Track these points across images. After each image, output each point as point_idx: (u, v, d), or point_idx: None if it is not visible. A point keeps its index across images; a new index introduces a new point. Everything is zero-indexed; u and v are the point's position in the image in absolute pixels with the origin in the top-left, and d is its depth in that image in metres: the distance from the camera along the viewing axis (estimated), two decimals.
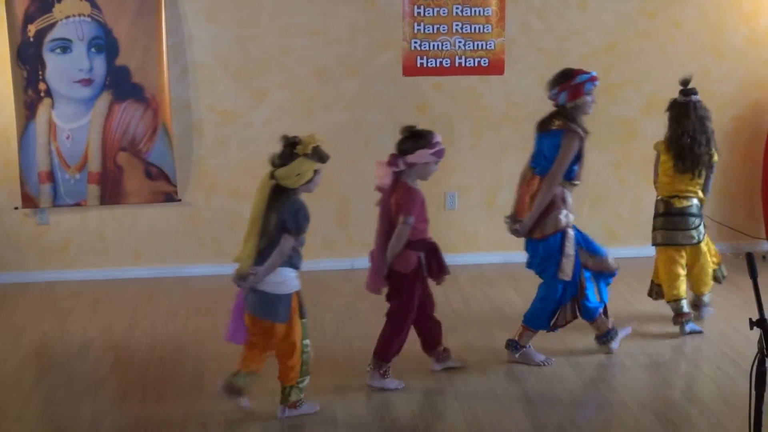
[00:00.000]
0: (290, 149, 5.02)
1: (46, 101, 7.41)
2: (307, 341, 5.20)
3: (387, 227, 5.55)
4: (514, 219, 5.91)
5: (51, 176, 7.51)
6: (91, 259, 7.81)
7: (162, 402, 5.47)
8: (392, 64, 7.72)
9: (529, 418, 5.21)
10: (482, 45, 7.74)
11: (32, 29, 7.31)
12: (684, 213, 6.35)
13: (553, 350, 6.10)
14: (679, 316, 6.35)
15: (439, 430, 5.14)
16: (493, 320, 6.75)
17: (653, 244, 6.53)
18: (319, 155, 5.06)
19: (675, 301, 6.37)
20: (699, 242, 6.39)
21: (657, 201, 6.52)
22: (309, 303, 7.01)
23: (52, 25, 7.32)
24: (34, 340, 6.53)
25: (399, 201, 5.49)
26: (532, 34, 7.81)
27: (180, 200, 7.72)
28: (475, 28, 7.70)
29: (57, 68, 7.39)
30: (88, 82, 7.44)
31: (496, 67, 7.79)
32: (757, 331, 3.60)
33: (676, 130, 6.31)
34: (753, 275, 3.68)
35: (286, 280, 5.08)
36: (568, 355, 6.06)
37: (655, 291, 6.65)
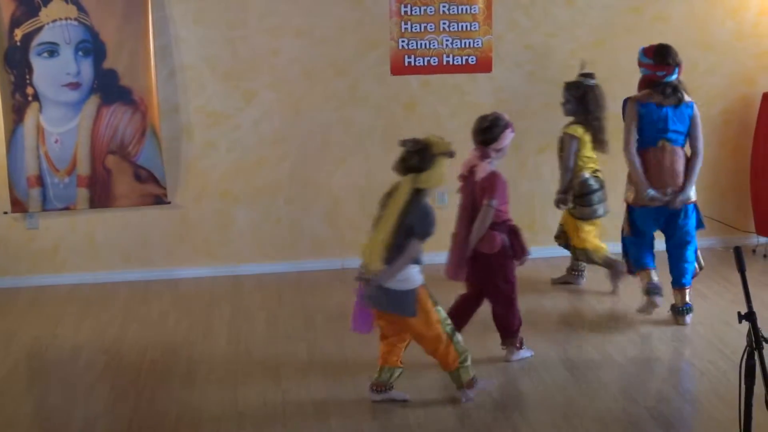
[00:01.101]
0: (426, 152, 5.07)
1: (34, 105, 7.40)
2: (449, 323, 5.29)
3: (470, 211, 5.73)
4: (674, 192, 6.41)
5: (40, 180, 7.50)
6: (81, 263, 7.79)
7: (154, 404, 5.45)
8: (380, 64, 7.72)
9: (521, 414, 5.22)
10: (470, 43, 7.74)
11: (19, 33, 7.29)
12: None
13: (542, 346, 6.11)
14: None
15: (433, 430, 5.14)
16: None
17: (599, 216, 7.01)
18: (450, 152, 5.16)
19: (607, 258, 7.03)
20: None
21: (592, 177, 6.95)
22: (299, 303, 7.06)
23: (39, 29, 7.30)
24: (25, 345, 6.51)
25: (484, 185, 5.68)
26: (519, 30, 7.82)
27: (169, 203, 7.71)
28: (462, 26, 7.71)
29: (44, 72, 7.37)
30: (75, 85, 7.43)
31: (483, 65, 7.80)
32: (746, 325, 3.62)
33: (585, 112, 6.87)
34: (741, 269, 3.70)
35: (409, 277, 5.14)
36: (558, 351, 6.08)
37: (582, 255, 7.10)
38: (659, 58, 6.41)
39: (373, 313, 5.23)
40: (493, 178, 5.68)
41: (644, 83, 6.54)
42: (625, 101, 6.58)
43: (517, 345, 5.91)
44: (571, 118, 6.94)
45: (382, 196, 5.23)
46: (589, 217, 6.93)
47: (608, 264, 7.00)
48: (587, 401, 5.36)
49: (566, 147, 6.86)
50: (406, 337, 5.34)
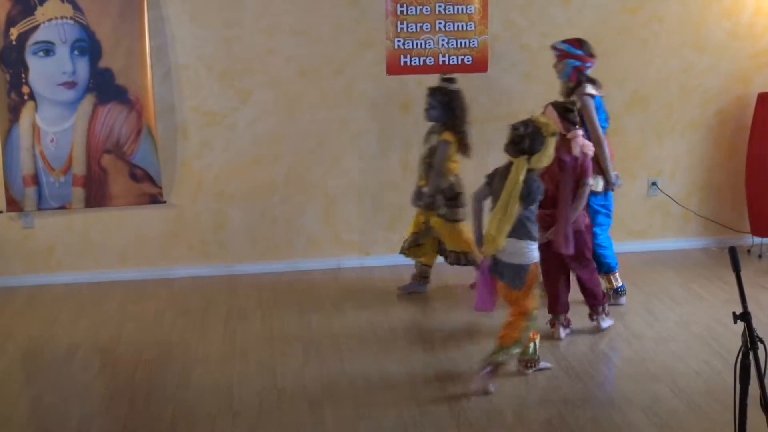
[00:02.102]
0: (538, 134, 5.34)
1: (30, 104, 7.39)
2: (536, 313, 5.62)
3: (572, 190, 6.09)
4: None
5: (35, 179, 7.49)
6: (76, 262, 7.79)
7: (150, 404, 5.46)
8: (376, 63, 7.72)
9: (516, 415, 5.23)
10: (465, 43, 7.74)
11: (14, 32, 7.29)
12: None
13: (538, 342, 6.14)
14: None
15: (428, 429, 5.14)
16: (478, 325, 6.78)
17: (455, 219, 6.95)
18: (557, 132, 5.51)
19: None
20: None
21: (456, 181, 6.96)
22: (294, 303, 7.07)
23: (34, 28, 7.30)
24: (21, 345, 6.51)
25: (583, 164, 6.10)
26: (514, 30, 7.82)
27: (165, 202, 7.71)
28: (458, 26, 7.71)
29: (40, 71, 7.36)
30: (71, 84, 7.42)
31: (479, 65, 7.80)
32: (741, 325, 3.63)
33: (453, 117, 6.82)
34: (736, 269, 3.71)
35: (530, 251, 5.47)
36: (551, 347, 6.09)
37: (461, 257, 7.00)
38: (587, 49, 6.62)
39: (497, 290, 5.55)
40: (588, 158, 6.11)
41: (575, 75, 6.61)
42: (577, 100, 6.57)
43: (606, 312, 6.43)
44: (433, 124, 6.94)
45: (490, 176, 5.56)
46: (462, 218, 6.89)
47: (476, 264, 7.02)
48: (582, 401, 5.37)
49: (440, 152, 6.81)
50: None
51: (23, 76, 7.35)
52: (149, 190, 7.63)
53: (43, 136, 7.45)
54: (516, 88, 7.82)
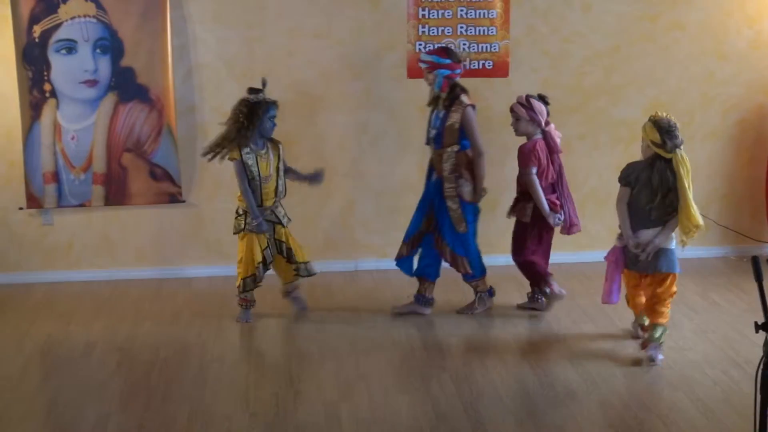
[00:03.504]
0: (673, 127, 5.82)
1: (51, 102, 7.43)
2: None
3: None
4: None
5: (56, 177, 7.53)
6: (95, 260, 7.82)
7: (166, 403, 5.46)
8: (397, 66, 7.72)
9: (531, 418, 5.21)
10: (486, 47, 7.74)
11: (38, 30, 7.32)
12: None
13: (555, 351, 6.12)
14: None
15: (443, 430, 5.14)
16: (502, 326, 6.77)
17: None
18: None
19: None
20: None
21: None
22: (311, 304, 7.06)
23: (57, 26, 7.33)
24: (39, 341, 6.53)
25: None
26: (536, 36, 7.82)
27: (184, 201, 7.73)
28: (479, 31, 7.71)
29: (62, 69, 7.40)
30: (93, 83, 7.46)
31: (500, 70, 7.80)
32: (762, 335, 3.61)
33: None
34: (758, 278, 3.68)
35: (673, 237, 5.98)
36: (570, 357, 6.08)
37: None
38: (455, 57, 6.60)
39: (636, 282, 6.09)
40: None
41: (446, 84, 6.56)
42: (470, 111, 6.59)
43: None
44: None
45: (631, 178, 5.92)
46: None
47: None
48: (599, 408, 5.35)
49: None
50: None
51: (45, 73, 7.38)
52: (168, 189, 7.66)
53: (64, 133, 7.48)
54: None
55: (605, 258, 6.09)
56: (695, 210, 5.77)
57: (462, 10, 7.65)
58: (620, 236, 6.01)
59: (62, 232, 7.75)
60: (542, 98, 6.68)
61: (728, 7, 7.95)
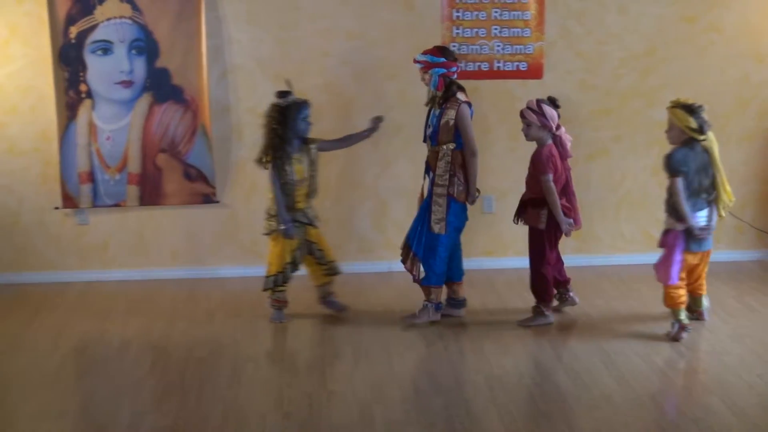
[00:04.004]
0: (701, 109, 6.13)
1: (87, 102, 7.48)
2: None
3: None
4: None
5: (91, 177, 7.58)
6: (130, 260, 7.87)
7: (200, 401, 5.49)
8: None
9: (564, 420, 5.19)
10: (521, 49, 7.72)
11: (74, 31, 7.38)
12: None
13: (588, 353, 6.09)
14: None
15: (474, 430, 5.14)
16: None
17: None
18: None
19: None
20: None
21: None
22: (345, 305, 7.06)
23: (93, 27, 7.39)
24: (74, 340, 6.58)
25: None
26: (570, 38, 7.79)
27: (218, 202, 7.77)
28: (513, 32, 7.69)
29: (98, 70, 7.46)
30: (128, 83, 7.50)
31: (534, 71, 7.78)
32: None
33: None
34: None
35: None
36: (604, 358, 6.04)
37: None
38: (450, 56, 6.57)
39: (696, 261, 6.38)
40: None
41: (442, 83, 6.52)
42: (466, 108, 6.53)
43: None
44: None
45: (684, 166, 6.11)
46: None
47: None
48: (634, 411, 5.32)
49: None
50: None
51: (81, 74, 7.44)
52: (203, 189, 7.69)
53: (100, 134, 7.53)
54: (571, 96, 7.77)
55: (660, 245, 6.30)
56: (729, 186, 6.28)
57: (496, 12, 7.64)
58: (678, 220, 6.17)
59: (97, 231, 7.80)
60: (553, 101, 6.60)
61: (765, 10, 7.88)
